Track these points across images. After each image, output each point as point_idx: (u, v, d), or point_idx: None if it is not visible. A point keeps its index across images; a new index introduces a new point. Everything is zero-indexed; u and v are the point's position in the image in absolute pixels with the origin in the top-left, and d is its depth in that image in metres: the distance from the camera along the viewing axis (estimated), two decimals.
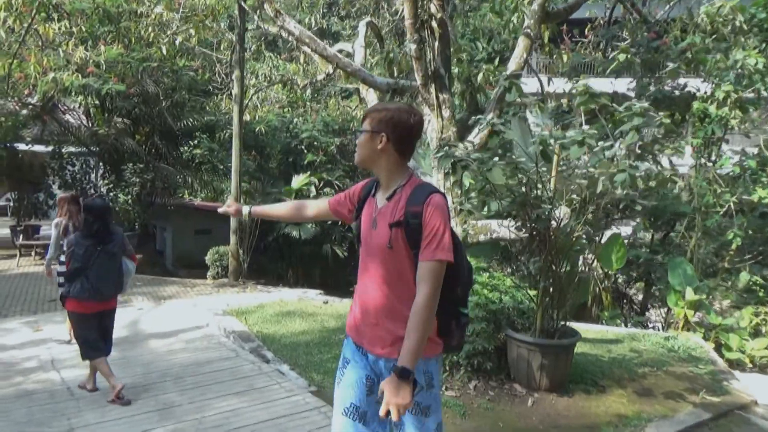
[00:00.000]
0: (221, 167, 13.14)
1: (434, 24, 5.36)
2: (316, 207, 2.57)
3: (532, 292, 4.88)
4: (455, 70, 6.04)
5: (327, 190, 14.11)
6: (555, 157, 4.25)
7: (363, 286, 2.22)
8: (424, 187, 2.14)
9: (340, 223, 14.28)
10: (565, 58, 6.66)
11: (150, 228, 14.03)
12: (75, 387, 4.62)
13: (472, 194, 4.89)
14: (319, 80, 10.49)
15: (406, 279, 2.09)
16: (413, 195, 2.09)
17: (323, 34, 17.26)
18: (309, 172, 13.80)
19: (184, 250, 13.52)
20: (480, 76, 6.17)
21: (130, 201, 12.02)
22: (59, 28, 8.66)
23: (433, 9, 5.36)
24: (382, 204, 2.17)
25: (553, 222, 4.29)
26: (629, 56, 4.07)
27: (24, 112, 12.68)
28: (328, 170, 14.78)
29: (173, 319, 6.96)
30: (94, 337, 4.38)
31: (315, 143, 14.89)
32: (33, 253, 11.25)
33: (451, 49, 5.78)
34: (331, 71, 9.12)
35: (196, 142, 12.71)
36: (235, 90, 9.79)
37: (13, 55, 7.86)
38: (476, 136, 4.89)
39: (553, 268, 4.53)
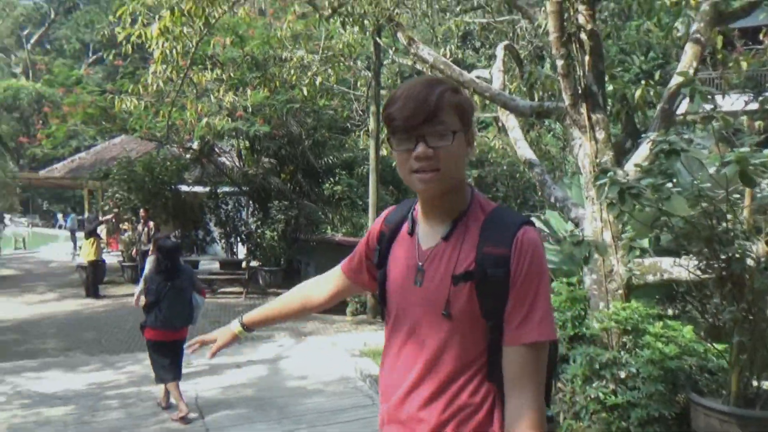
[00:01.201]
0: (360, 203, 13.27)
1: (583, 36, 4.78)
2: (327, 284, 1.68)
3: (719, 346, 3.99)
4: (608, 87, 5.33)
5: None
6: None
7: (393, 376, 1.39)
8: (505, 213, 1.34)
9: None
10: (744, 65, 5.64)
11: (295, 263, 14.51)
12: (213, 429, 4.57)
13: (628, 227, 4.16)
14: None
15: (469, 367, 1.28)
16: (489, 227, 1.29)
17: (458, 66, 17.10)
18: None
19: None
20: (638, 93, 5.39)
21: (275, 237, 12.50)
22: (212, 77, 9.29)
23: (581, 20, 4.78)
24: (431, 244, 1.33)
25: (749, 261, 3.44)
26: None
27: (187, 156, 13.89)
28: None
29: (311, 357, 6.86)
30: (166, 363, 4.83)
31: None
32: None
33: (604, 64, 5.12)
34: None
35: (336, 178, 13.00)
36: (372, 125, 9.79)
37: (172, 103, 8.54)
38: (645, 159, 4.16)
39: (750, 318, 3.63)
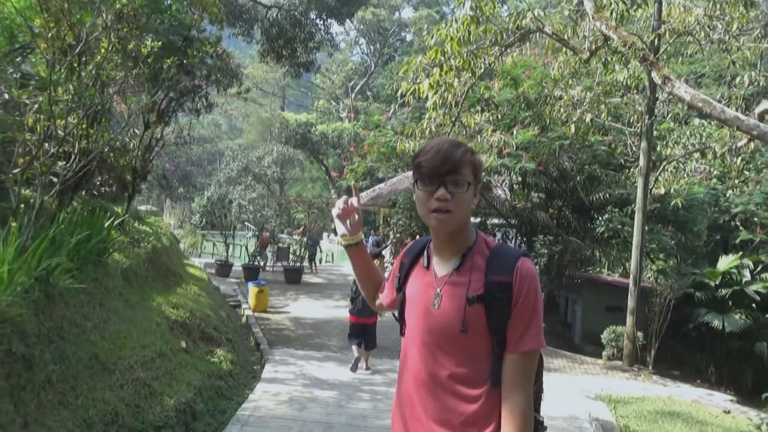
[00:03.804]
0: (632, 242, 12.51)
1: None
2: (376, 292, 2.03)
3: None
4: None
5: (766, 275, 11.67)
6: None
7: (412, 389, 1.65)
8: (506, 248, 1.64)
9: None
10: None
11: (557, 299, 14.35)
12: None
13: None
14: (740, 146, 8.98)
15: (481, 376, 1.57)
16: (494, 259, 1.59)
17: None
18: (741, 253, 11.76)
19: (594, 327, 13.18)
20: None
21: (537, 271, 12.62)
22: (482, 119, 10.11)
23: None
24: (445, 273, 1.64)
25: None
26: None
27: None
28: None
29: (547, 392, 6.88)
30: (355, 335, 7.36)
31: (754, 219, 12.64)
32: None
33: None
34: None
35: (607, 216, 12.51)
36: (642, 162, 9.34)
37: None
38: None
39: None
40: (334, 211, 1.97)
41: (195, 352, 6.61)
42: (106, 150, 6.23)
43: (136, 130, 8.53)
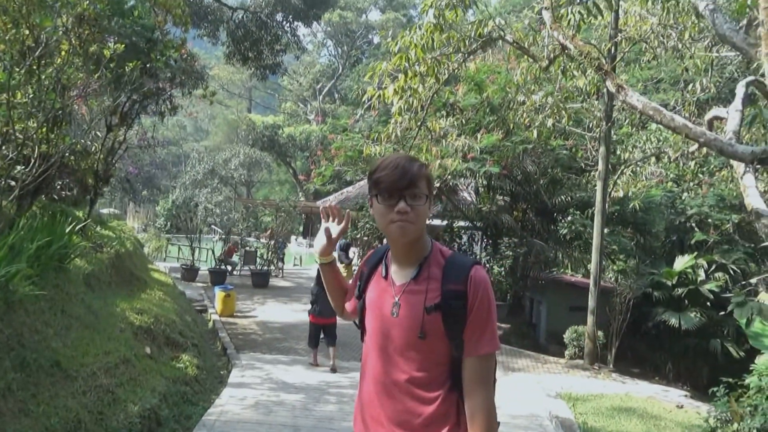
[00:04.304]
0: (592, 243, 12.86)
1: None
2: (343, 301, 2.05)
3: None
4: None
5: (719, 275, 12.16)
6: None
7: (373, 393, 1.73)
8: (458, 257, 1.70)
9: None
10: None
11: (523, 300, 14.63)
12: None
13: None
14: (691, 151, 9.36)
15: (439, 379, 1.65)
16: (449, 269, 1.65)
17: None
18: (696, 253, 12.23)
19: (558, 327, 13.47)
20: None
21: (503, 273, 12.87)
22: (447, 123, 10.27)
23: None
24: (403, 282, 1.70)
25: None
26: None
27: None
28: (722, 252, 12.79)
29: (509, 391, 7.06)
30: (314, 335, 7.76)
31: (707, 220, 13.16)
32: None
33: None
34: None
35: (569, 218, 12.84)
36: (600, 167, 9.63)
37: (410, 148, 9.73)
38: None
39: None
40: (326, 210, 1.96)
41: (160, 358, 6.55)
42: (66, 154, 6.13)
43: (98, 133, 8.41)
